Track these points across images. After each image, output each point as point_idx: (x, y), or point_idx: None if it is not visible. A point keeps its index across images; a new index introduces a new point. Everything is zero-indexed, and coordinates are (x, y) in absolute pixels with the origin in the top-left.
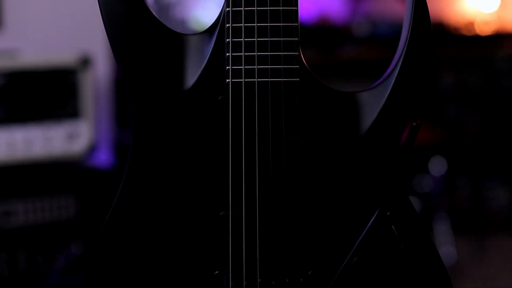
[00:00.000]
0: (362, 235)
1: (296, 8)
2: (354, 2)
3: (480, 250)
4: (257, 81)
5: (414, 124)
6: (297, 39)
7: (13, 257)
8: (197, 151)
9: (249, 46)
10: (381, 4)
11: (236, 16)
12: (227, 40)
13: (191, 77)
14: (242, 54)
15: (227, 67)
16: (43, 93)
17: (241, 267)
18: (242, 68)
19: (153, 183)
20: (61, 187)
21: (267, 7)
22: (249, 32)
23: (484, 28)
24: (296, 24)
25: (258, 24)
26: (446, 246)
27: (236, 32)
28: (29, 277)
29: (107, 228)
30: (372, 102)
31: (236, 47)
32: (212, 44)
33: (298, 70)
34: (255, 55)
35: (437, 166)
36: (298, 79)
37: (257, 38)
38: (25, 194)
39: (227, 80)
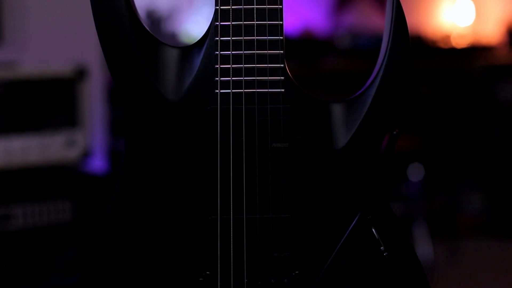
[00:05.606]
0: (344, 237)
1: (281, 22)
2: (337, 16)
3: (456, 252)
4: (244, 91)
5: (394, 132)
6: (282, 51)
7: (12, 259)
8: (187, 158)
9: (237, 59)
10: (362, 17)
11: (225, 30)
12: (216, 53)
13: (181, 87)
14: (230, 66)
15: (216, 79)
16: (40, 102)
17: (229, 268)
18: (230, 80)
19: (145, 189)
20: (57, 192)
21: (254, 21)
22: (237, 45)
23: (460, 41)
24: (282, 37)
25: (245, 38)
26: (424, 249)
27: (225, 45)
28: (28, 278)
29: (102, 231)
30: (355, 111)
31: (224, 59)
32: (201, 57)
33: (283, 81)
34: (242, 67)
35: (415, 172)
36: (283, 90)
37: (244, 51)
38: (24, 199)
39: (216, 91)
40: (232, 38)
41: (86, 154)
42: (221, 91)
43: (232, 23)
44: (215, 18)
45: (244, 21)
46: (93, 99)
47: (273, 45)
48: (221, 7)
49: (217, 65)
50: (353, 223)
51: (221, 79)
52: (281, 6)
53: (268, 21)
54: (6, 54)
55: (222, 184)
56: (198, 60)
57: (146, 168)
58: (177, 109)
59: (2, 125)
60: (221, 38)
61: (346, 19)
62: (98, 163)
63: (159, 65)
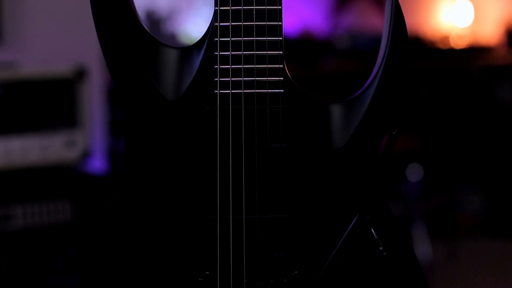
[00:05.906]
0: (343, 237)
1: (280, 23)
2: (336, 16)
3: (455, 252)
4: (244, 92)
5: (393, 132)
6: (281, 52)
7: (12, 259)
8: (186, 158)
9: (236, 59)
10: (361, 18)
11: (224, 31)
12: (215, 53)
13: (181, 88)
14: (230, 66)
15: (215, 79)
16: (40, 103)
17: (228, 268)
18: (229, 80)
19: (145, 189)
20: (57, 192)
21: (253, 22)
22: (236, 46)
23: (459, 41)
24: (281, 38)
25: (244, 39)
26: (423, 249)
27: (224, 46)
28: (28, 278)
29: (102, 231)
30: (354, 112)
31: (224, 60)
32: (201, 57)
33: (283, 82)
34: (241, 67)
35: (414, 172)
36: (282, 90)
37: (243, 51)
38: (24, 199)
39: (215, 91)
40: (232, 39)
41: (86, 154)
42: (220, 91)
43: (232, 23)
44: (214, 19)
45: (243, 21)
46: (93, 99)
47: (272, 45)
48: (221, 8)
49: (217, 65)
50: (352, 223)
51: (220, 79)
52: (280, 7)
53: (267, 22)
54: (6, 55)
55: (222, 185)
56: (197, 61)
57: (145, 168)
58: (177, 109)
59: (2, 125)
60: (220, 39)
61: (345, 19)
62: (98, 163)
63: (159, 65)
